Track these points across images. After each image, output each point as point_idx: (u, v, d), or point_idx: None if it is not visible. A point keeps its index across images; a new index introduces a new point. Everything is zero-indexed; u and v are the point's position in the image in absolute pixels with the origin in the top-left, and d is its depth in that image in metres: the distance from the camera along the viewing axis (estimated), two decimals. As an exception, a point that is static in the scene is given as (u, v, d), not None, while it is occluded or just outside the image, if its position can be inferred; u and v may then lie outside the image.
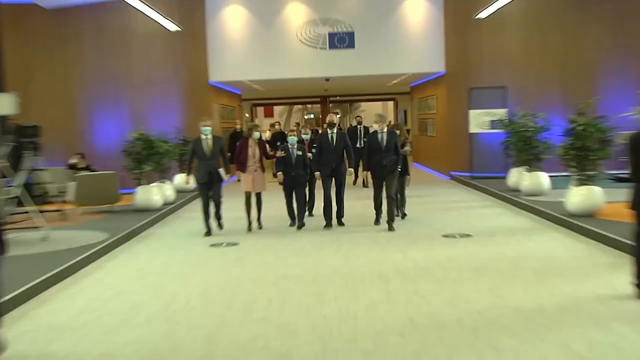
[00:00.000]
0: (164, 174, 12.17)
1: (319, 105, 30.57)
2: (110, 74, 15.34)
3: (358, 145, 13.67)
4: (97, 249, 7.73)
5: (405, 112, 28.08)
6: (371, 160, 8.53)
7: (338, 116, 8.86)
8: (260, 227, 9.01)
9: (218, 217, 8.86)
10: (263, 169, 8.93)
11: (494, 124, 14.13)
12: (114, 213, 11.18)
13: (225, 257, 7.39)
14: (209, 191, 8.64)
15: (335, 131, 8.87)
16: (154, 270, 6.90)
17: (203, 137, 8.54)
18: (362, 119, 14.82)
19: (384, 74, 16.79)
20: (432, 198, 12.32)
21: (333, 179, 8.92)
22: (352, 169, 9.14)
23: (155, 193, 11.27)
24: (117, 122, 15.31)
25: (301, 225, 8.90)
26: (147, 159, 11.18)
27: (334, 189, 9.01)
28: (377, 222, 8.95)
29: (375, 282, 5.93)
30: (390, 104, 32.03)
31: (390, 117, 32.34)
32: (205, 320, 4.96)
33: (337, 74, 16.75)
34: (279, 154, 8.90)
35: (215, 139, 8.60)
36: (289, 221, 9.26)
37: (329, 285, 5.88)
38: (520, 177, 11.55)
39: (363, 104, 33.76)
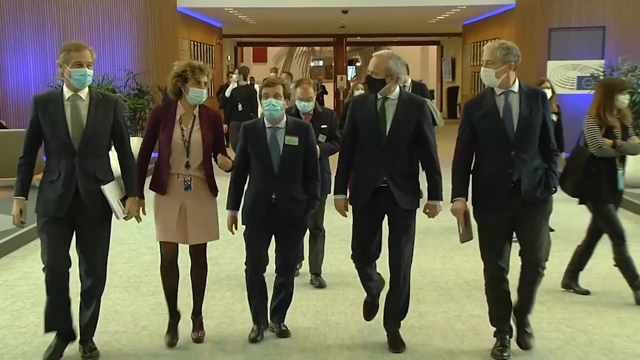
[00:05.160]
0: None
1: (331, 49, 30.42)
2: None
3: None
4: (5, 240, 7.66)
5: (453, 61, 27.85)
6: (482, 170, 4.87)
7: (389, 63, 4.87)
8: (196, 337, 5.19)
9: (90, 319, 4.87)
10: (211, 185, 5.09)
11: (583, 82, 13.91)
12: (35, 189, 10.99)
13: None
14: (69, 242, 4.78)
15: (396, 95, 4.97)
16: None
17: (66, 94, 4.72)
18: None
19: (425, 5, 16.54)
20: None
21: (384, 217, 5.07)
22: (435, 202, 5.01)
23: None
24: (39, 59, 15.11)
25: (282, 332, 5.23)
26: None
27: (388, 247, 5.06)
28: (501, 352, 4.86)
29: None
30: (433, 49, 31.82)
31: (433, 68, 32.17)
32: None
33: (358, 4, 16.51)
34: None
35: (100, 102, 4.76)
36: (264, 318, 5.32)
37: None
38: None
39: (393, 48, 33.58)
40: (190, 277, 5.21)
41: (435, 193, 4.96)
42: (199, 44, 18.75)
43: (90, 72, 4.67)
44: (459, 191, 4.83)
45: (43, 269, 4.65)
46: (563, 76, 14.35)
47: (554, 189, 4.82)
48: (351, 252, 5.10)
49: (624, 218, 9.41)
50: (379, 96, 4.97)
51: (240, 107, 12.48)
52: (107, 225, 4.82)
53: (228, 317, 5.62)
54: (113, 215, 4.77)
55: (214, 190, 5.06)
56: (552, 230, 8.26)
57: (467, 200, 4.79)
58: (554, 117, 7.97)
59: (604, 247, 7.81)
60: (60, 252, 4.64)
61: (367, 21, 21.74)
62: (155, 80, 14.23)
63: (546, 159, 4.80)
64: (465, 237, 4.90)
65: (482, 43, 19.19)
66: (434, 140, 4.98)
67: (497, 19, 17.54)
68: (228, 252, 7.45)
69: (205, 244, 5.14)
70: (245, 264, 5.11)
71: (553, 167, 4.83)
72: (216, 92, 17.19)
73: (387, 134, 4.90)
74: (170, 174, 4.97)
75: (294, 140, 5.02)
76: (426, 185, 4.96)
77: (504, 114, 4.71)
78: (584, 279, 6.61)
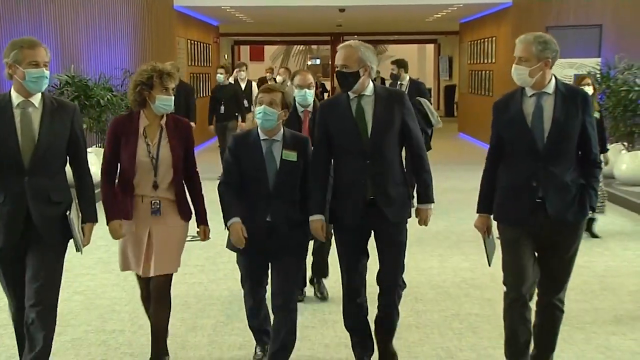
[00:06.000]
0: (104, 136, 11.98)
1: (328, 47, 30.40)
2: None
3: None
4: None
5: (450, 60, 27.85)
6: (505, 180, 4.24)
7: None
8: None
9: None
10: (183, 208, 4.45)
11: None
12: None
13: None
14: (22, 277, 4.03)
15: (371, 90, 4.37)
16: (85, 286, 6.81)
17: (15, 100, 3.95)
18: (399, 69, 10.01)
19: (422, 3, 16.51)
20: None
21: (370, 237, 4.52)
22: (426, 206, 4.48)
23: (92, 162, 10.99)
24: (39, 59, 15.07)
25: None
26: (81, 112, 10.98)
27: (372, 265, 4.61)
28: None
29: None
30: (430, 48, 31.81)
31: (430, 67, 32.17)
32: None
33: (355, 3, 16.48)
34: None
35: (56, 110, 4.02)
36: (256, 344, 4.87)
37: None
38: (615, 158, 11.32)
39: (390, 47, 33.59)
40: (149, 317, 4.54)
41: (425, 195, 4.42)
42: (195, 42, 18.72)
43: (47, 73, 3.93)
44: (483, 205, 4.29)
45: (12, 313, 4.18)
46: (560, 74, 14.23)
47: (591, 209, 4.08)
48: (342, 286, 4.51)
49: (622, 216, 9.42)
50: (352, 95, 4.31)
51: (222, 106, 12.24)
52: (62, 252, 4.08)
53: (225, 316, 5.62)
54: (73, 244, 4.06)
55: (185, 214, 4.41)
56: (597, 236, 8.01)
57: (491, 214, 4.29)
58: (597, 115, 7.85)
59: (601, 246, 7.84)
60: (15, 294, 4.07)
61: (364, 19, 21.70)
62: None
63: (585, 173, 4.06)
64: (491, 255, 4.36)
65: (480, 42, 19.17)
66: (420, 135, 4.45)
67: (494, 17, 17.52)
68: (226, 250, 7.45)
69: (171, 275, 4.42)
70: (244, 299, 4.74)
71: (593, 183, 4.06)
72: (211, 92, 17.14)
73: (369, 137, 4.27)
74: (134, 196, 4.32)
75: (292, 155, 4.38)
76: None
77: (534, 119, 4.02)
78: (580, 277, 6.60)
